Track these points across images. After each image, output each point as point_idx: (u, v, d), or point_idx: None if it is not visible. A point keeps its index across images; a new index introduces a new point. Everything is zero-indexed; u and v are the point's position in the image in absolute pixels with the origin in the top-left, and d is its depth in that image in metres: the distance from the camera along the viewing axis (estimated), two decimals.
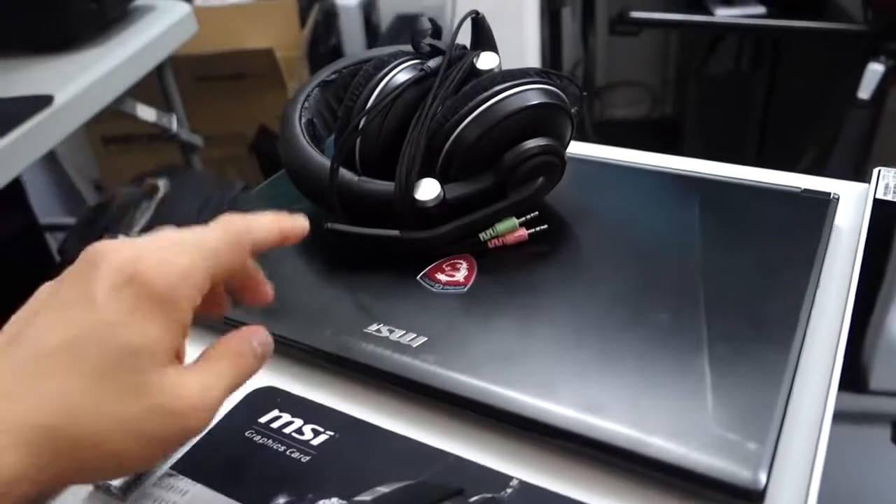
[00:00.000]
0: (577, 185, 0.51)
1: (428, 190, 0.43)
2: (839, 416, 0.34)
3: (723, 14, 1.70)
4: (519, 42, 1.63)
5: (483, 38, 0.49)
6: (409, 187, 0.43)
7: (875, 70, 1.30)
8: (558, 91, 0.45)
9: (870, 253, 0.43)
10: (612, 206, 0.50)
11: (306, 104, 0.51)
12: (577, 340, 0.38)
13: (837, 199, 0.47)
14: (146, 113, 1.06)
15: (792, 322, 0.38)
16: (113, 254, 0.28)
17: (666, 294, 0.41)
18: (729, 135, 1.91)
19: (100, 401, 0.26)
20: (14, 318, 0.29)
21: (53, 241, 1.21)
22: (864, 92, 1.30)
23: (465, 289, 0.43)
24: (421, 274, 0.44)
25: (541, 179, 0.45)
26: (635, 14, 1.36)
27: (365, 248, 0.46)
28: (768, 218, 0.46)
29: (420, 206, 0.43)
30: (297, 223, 0.35)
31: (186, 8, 1.10)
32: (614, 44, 2.11)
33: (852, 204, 0.50)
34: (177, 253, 0.29)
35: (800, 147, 1.49)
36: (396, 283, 0.44)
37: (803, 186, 0.48)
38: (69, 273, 0.29)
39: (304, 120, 0.50)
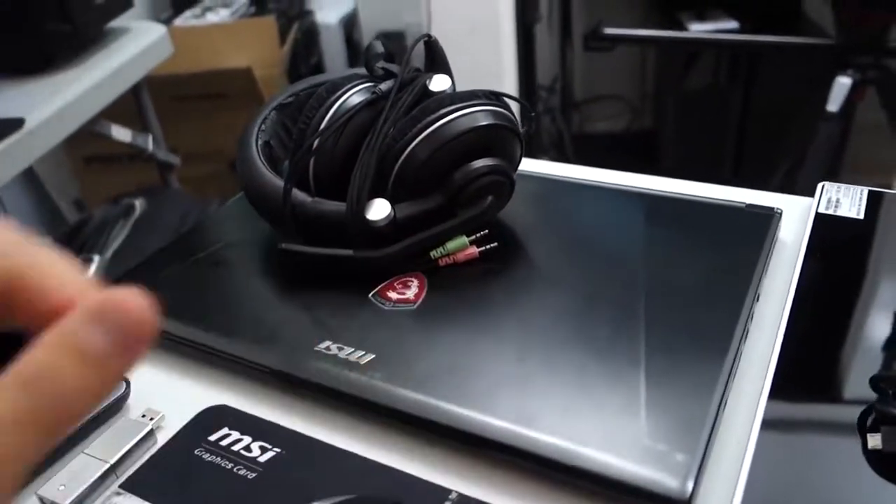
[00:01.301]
0: (526, 203, 0.52)
1: (379, 210, 0.45)
2: (769, 425, 0.35)
3: (696, 29, 1.73)
4: (496, 58, 1.65)
5: (437, 60, 0.50)
6: (361, 207, 0.44)
7: (843, 83, 1.33)
8: (506, 112, 0.46)
9: (808, 265, 0.45)
10: (561, 223, 0.51)
11: (263, 126, 0.52)
12: (520, 355, 0.39)
13: (780, 214, 0.48)
14: (121, 133, 1.07)
15: (728, 333, 0.39)
16: None
17: (609, 308, 0.42)
18: (707, 147, 1.94)
19: None
20: None
21: None
22: (833, 105, 1.33)
23: (415, 306, 0.44)
24: (373, 292, 0.45)
25: (490, 198, 0.46)
26: (609, 30, 1.38)
27: (319, 268, 0.47)
28: (712, 232, 0.48)
29: (371, 226, 0.44)
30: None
31: (162, 30, 1.12)
32: (593, 58, 2.14)
33: (798, 218, 0.52)
34: None
35: (775, 159, 1.51)
36: (348, 301, 0.45)
37: (749, 201, 0.50)
38: None
39: (260, 142, 0.51)
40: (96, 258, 1.00)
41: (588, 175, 0.58)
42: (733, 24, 1.71)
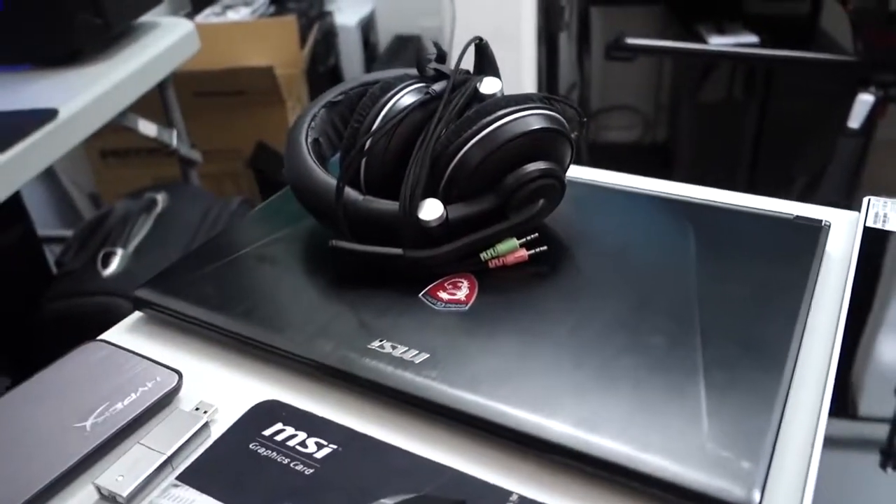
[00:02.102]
0: (576, 208, 0.52)
1: (431, 210, 0.45)
2: (829, 441, 0.35)
3: (716, 42, 1.73)
4: (516, 65, 1.66)
5: (486, 63, 0.51)
6: (413, 207, 0.44)
7: (865, 100, 1.33)
8: (559, 116, 0.46)
9: (860, 280, 0.45)
10: (609, 230, 0.51)
11: (312, 124, 0.52)
12: (576, 360, 0.39)
13: (829, 227, 0.48)
14: (148, 128, 1.07)
15: (784, 346, 0.39)
16: None
17: (662, 317, 0.42)
18: (721, 160, 1.94)
19: None
20: None
21: (50, 254, 1.22)
22: (854, 121, 1.33)
23: (467, 307, 0.44)
24: (423, 292, 0.45)
25: (541, 202, 0.46)
26: (630, 41, 1.39)
27: (368, 266, 0.47)
28: (761, 243, 0.48)
29: (423, 226, 0.44)
30: None
31: (190, 26, 1.12)
32: (609, 68, 2.14)
33: (843, 231, 0.52)
34: None
35: (791, 174, 1.52)
36: (399, 300, 0.45)
37: (796, 213, 0.50)
38: None
39: (310, 139, 0.51)
40: (119, 251, 0.99)
41: (632, 182, 0.58)
42: (753, 39, 1.71)
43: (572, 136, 0.48)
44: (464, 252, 0.46)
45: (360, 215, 0.46)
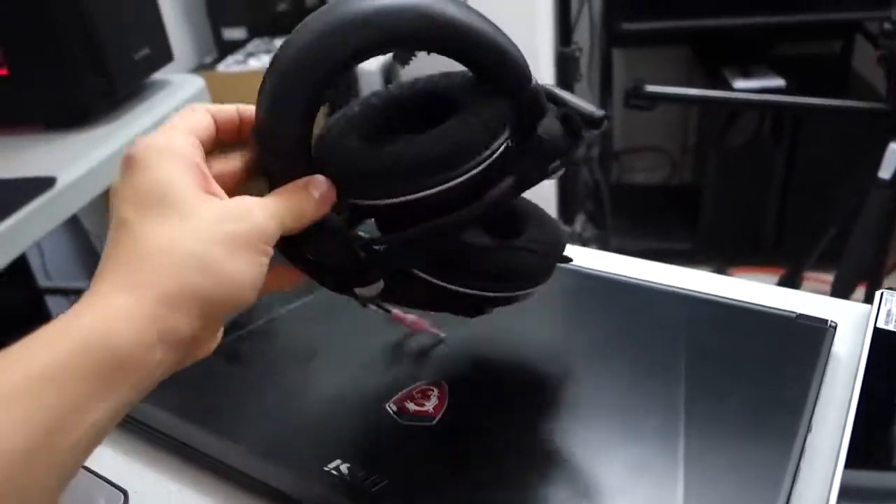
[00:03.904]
0: (563, 298, 0.49)
1: None
2: None
3: (741, 86, 1.69)
4: None
5: None
6: None
7: None
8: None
9: (868, 390, 0.41)
10: (597, 326, 0.48)
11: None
12: (552, 483, 0.36)
13: (835, 328, 0.45)
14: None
15: (780, 472, 0.35)
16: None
17: (645, 436, 0.38)
18: (749, 205, 1.89)
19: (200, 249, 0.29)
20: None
21: (67, 305, 1.22)
22: (886, 172, 1.27)
23: (435, 420, 0.41)
24: (391, 401, 0.42)
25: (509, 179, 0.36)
26: (650, 88, 1.35)
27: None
28: (761, 345, 0.44)
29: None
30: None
31: (200, 83, 1.12)
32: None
33: (852, 326, 0.48)
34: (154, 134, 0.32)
35: (820, 222, 1.46)
36: (364, 409, 0.42)
37: (799, 311, 0.46)
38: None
39: None
40: None
41: (627, 267, 0.55)
42: (779, 82, 1.67)
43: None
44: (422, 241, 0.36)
45: None
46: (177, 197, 0.30)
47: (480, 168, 0.34)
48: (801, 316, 0.46)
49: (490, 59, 0.35)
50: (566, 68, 1.34)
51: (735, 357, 0.43)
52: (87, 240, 1.77)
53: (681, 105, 2.08)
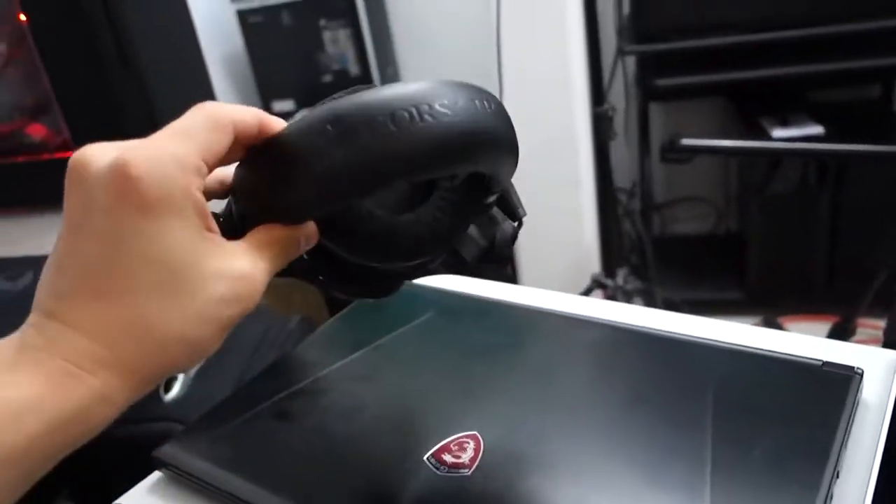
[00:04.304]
0: (589, 352, 0.51)
1: None
2: None
3: (780, 135, 1.70)
4: (573, 168, 1.67)
5: None
6: None
7: None
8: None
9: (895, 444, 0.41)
10: (629, 377, 0.50)
11: None
12: None
13: (861, 375, 0.45)
14: None
15: None
16: (98, 163, 0.28)
17: (675, 478, 0.40)
18: (796, 252, 1.86)
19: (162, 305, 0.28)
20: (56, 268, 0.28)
21: None
22: None
23: (470, 472, 0.43)
24: (428, 454, 0.44)
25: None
26: (686, 141, 1.37)
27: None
28: (787, 394, 0.45)
29: None
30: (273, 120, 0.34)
31: None
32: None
33: (883, 372, 0.48)
34: (164, 143, 0.29)
35: (870, 267, 1.44)
36: (403, 461, 0.44)
37: (825, 359, 0.47)
38: (68, 199, 0.29)
39: None
40: (180, 377, 1.03)
41: (653, 319, 0.56)
42: (818, 130, 1.67)
43: None
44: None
45: None
46: (182, 270, 0.28)
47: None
48: (826, 364, 0.47)
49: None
50: (600, 127, 1.37)
51: (762, 406, 0.45)
52: None
53: (721, 155, 2.09)
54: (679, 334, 0.52)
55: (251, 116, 0.33)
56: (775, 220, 1.87)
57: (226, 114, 0.32)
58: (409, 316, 0.59)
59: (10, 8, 0.90)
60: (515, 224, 0.43)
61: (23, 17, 0.91)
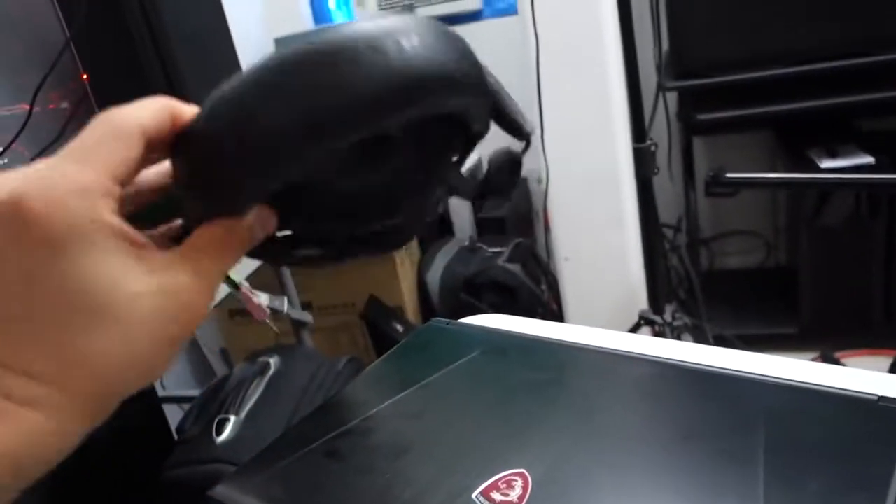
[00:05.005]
0: (635, 389, 0.51)
1: None
2: None
3: (828, 166, 1.67)
4: (616, 204, 1.67)
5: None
6: None
7: None
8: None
9: None
10: (678, 413, 0.49)
11: None
12: None
13: None
14: (261, 298, 1.16)
15: None
16: None
17: None
18: (852, 284, 1.82)
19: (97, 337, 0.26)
20: None
21: (181, 413, 1.30)
22: None
23: None
24: (477, 492, 0.45)
25: None
26: (731, 175, 1.36)
27: None
28: (841, 429, 0.44)
29: None
30: (185, 106, 0.31)
31: None
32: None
33: None
34: (63, 169, 0.27)
35: None
36: (451, 500, 0.45)
37: (881, 393, 0.46)
38: None
39: None
40: (232, 418, 1.05)
41: (699, 355, 0.56)
42: (868, 160, 1.64)
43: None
44: None
45: None
46: (105, 296, 0.26)
47: None
48: (882, 398, 0.46)
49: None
50: (643, 163, 1.37)
51: (815, 442, 0.44)
52: (199, 351, 1.89)
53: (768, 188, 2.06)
54: (727, 369, 0.52)
55: (159, 110, 0.30)
56: (827, 252, 1.83)
57: (129, 119, 0.29)
58: (455, 355, 0.59)
59: (74, 67, 0.95)
60: (524, 144, 0.40)
61: (84, 76, 0.97)
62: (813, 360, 1.69)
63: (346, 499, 0.47)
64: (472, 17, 2.18)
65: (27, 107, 1.00)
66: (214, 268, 0.30)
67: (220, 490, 0.50)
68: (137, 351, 0.27)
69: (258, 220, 0.32)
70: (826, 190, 1.76)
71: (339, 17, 2.18)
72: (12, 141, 1.01)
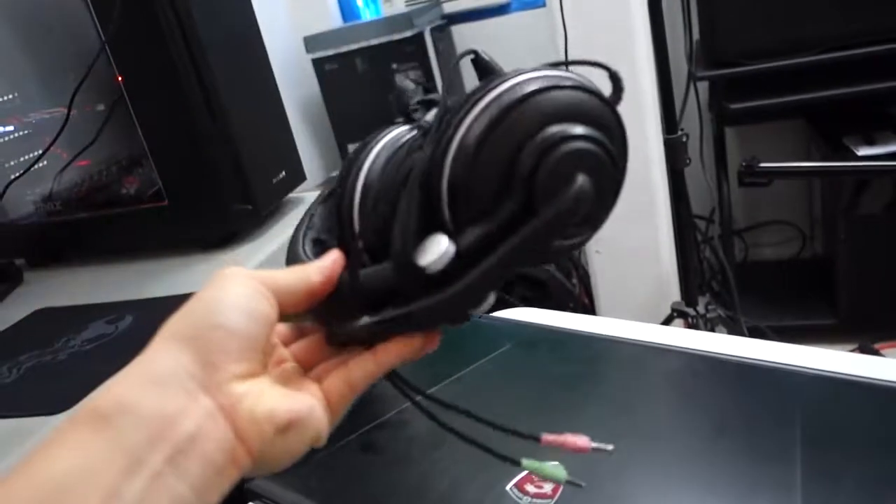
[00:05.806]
0: (671, 382, 0.50)
1: (432, 249, 0.34)
2: None
3: (866, 153, 1.63)
4: (649, 197, 1.65)
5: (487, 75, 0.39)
6: (408, 252, 0.35)
7: None
8: (575, 75, 0.36)
9: None
10: (715, 406, 0.49)
11: (310, 224, 0.45)
12: None
13: None
14: None
15: None
16: None
17: None
18: (889, 274, 1.78)
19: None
20: None
21: None
22: None
23: (553, 501, 0.43)
24: (511, 484, 0.45)
25: (580, 178, 0.32)
26: (765, 164, 1.34)
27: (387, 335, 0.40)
28: (879, 421, 0.44)
29: (430, 273, 0.34)
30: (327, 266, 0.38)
31: None
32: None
33: None
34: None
35: None
36: (487, 493, 0.45)
37: None
38: None
39: (309, 238, 0.44)
40: None
41: (732, 346, 0.56)
42: None
43: (609, 98, 0.37)
44: (487, 281, 0.35)
45: (364, 292, 0.37)
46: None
47: None
48: None
49: None
50: (674, 154, 1.36)
51: (852, 433, 0.43)
52: None
53: (803, 177, 2.02)
54: (763, 361, 0.52)
55: (294, 285, 0.37)
56: (865, 241, 1.79)
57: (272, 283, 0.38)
58: (487, 348, 0.60)
59: (110, 72, 0.97)
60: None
61: (120, 79, 0.98)
62: (851, 351, 1.66)
63: (382, 490, 0.48)
64: (500, 10, 2.17)
65: (65, 109, 1.02)
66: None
67: (258, 483, 0.51)
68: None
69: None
70: (864, 178, 1.72)
71: (366, 15, 2.19)
72: (52, 143, 1.04)
